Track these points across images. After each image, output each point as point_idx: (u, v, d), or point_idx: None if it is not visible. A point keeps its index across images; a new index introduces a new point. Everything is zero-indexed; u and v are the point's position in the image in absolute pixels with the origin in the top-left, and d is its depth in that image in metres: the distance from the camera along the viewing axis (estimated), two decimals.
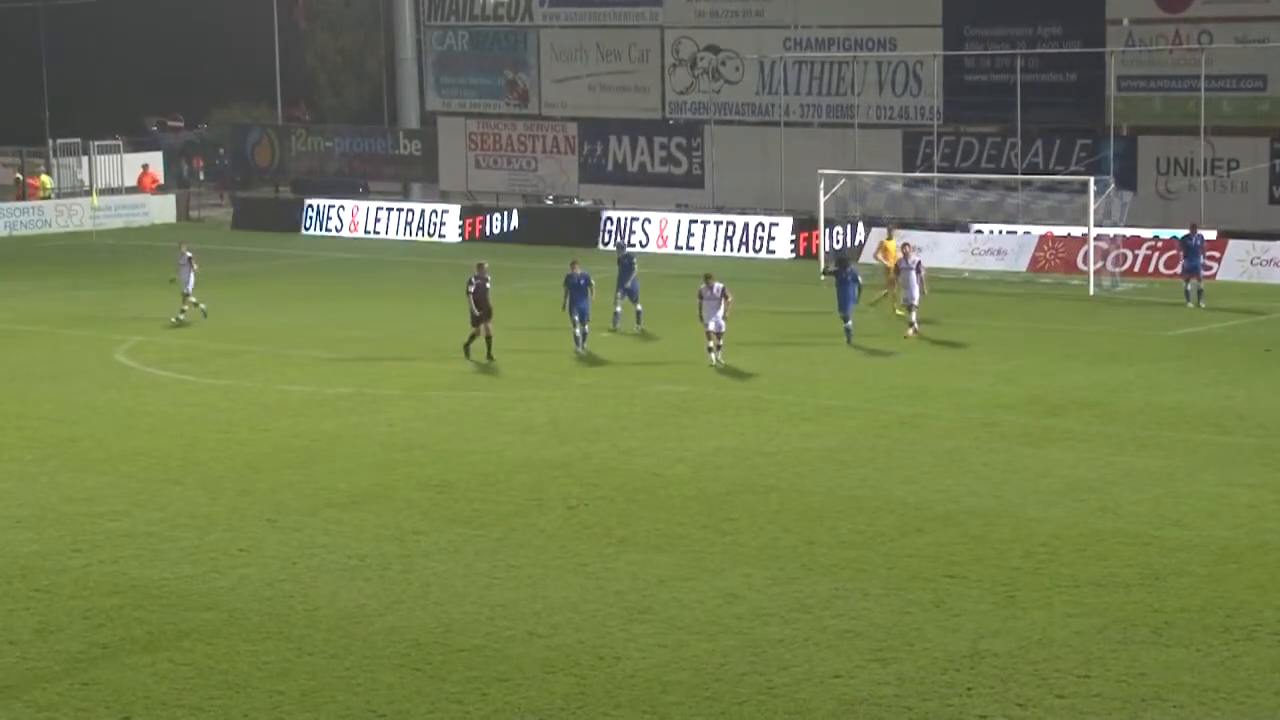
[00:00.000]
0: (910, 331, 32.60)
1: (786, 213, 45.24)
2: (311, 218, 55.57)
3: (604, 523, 21.38)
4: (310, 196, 57.76)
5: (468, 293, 28.89)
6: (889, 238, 37.13)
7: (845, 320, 31.15)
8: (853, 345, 32.53)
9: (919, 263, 33.05)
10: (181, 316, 38.53)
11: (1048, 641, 16.90)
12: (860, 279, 32.54)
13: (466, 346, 29.49)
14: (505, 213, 52.22)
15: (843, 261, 32.08)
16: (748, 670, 16.15)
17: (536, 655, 16.57)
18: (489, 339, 29.74)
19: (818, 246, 42.87)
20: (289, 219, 56.86)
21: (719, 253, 46.24)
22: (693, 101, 49.90)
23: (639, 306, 33.56)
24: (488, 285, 29.05)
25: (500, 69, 52.65)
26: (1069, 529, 20.78)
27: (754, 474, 23.83)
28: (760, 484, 23.24)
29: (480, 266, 30.19)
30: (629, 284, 32.43)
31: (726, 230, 46.40)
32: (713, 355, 30.19)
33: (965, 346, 33.76)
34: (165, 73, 78.14)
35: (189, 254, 38.56)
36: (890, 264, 34.49)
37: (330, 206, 55.77)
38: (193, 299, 38.19)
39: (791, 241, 45.32)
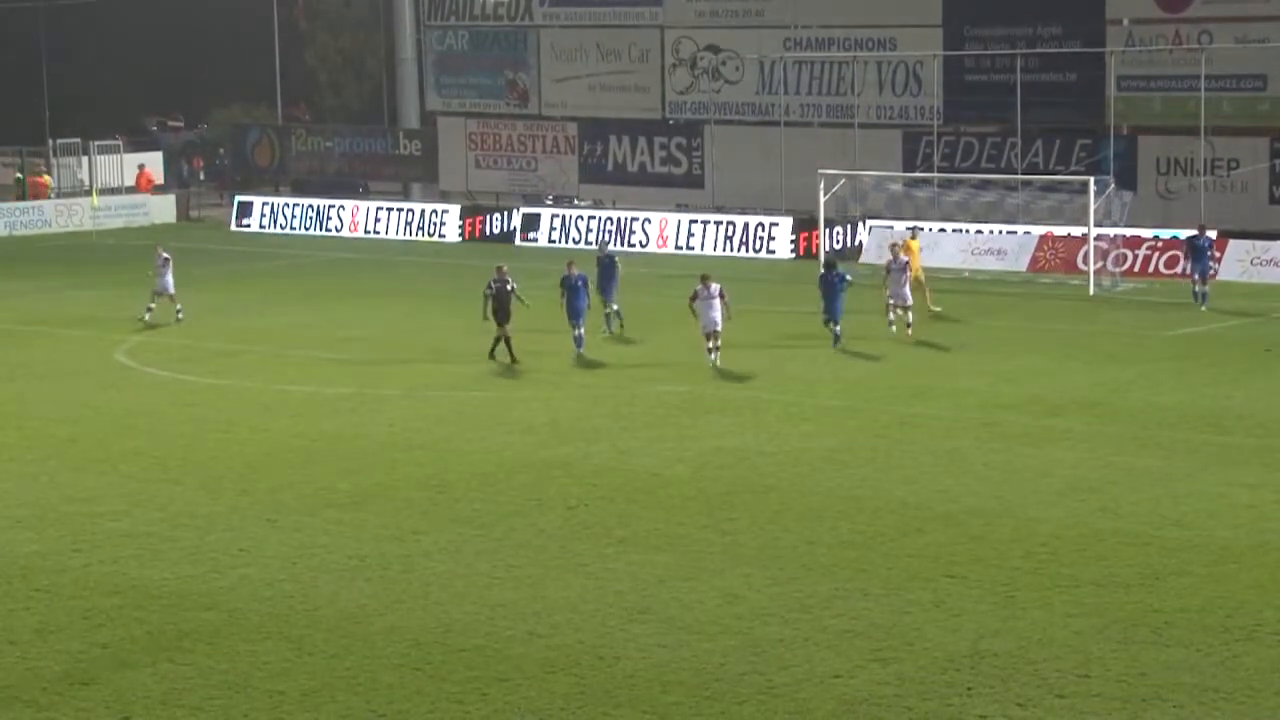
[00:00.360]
0: (909, 331, 32.75)
1: (786, 213, 45.70)
2: (259, 215, 56.66)
3: (604, 523, 21.46)
4: (242, 193, 59.19)
5: (486, 295, 28.90)
6: (913, 238, 37.39)
7: (833, 324, 31.13)
8: (846, 349, 32.48)
9: (907, 263, 32.98)
10: (179, 315, 38.68)
11: (1048, 641, 16.95)
12: (850, 278, 32.35)
13: (500, 348, 29.83)
14: (504, 213, 52.27)
15: (829, 264, 32.05)
16: (748, 670, 16.21)
17: (536, 655, 16.64)
18: (508, 341, 29.64)
19: (818, 246, 43.53)
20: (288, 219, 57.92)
21: (719, 253, 46.60)
22: (693, 101, 50.48)
23: (614, 307, 33.37)
24: (509, 288, 29.05)
25: (500, 69, 53.30)
26: (1069, 529, 20.79)
27: (754, 474, 23.92)
28: (760, 484, 23.31)
29: (499, 269, 30.31)
30: (608, 285, 32.47)
31: (726, 230, 46.76)
32: (712, 356, 30.13)
33: (965, 346, 33.85)
34: (165, 73, 78.28)
35: (165, 255, 38.74)
36: (913, 264, 34.73)
37: (267, 204, 57.12)
38: (150, 304, 38.39)
39: (791, 241, 45.68)
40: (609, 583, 18.88)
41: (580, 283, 30.59)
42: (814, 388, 30.01)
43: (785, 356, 32.89)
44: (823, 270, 31.90)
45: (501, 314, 29.35)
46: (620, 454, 25.26)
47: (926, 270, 36.31)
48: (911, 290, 33.98)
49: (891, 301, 32.43)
